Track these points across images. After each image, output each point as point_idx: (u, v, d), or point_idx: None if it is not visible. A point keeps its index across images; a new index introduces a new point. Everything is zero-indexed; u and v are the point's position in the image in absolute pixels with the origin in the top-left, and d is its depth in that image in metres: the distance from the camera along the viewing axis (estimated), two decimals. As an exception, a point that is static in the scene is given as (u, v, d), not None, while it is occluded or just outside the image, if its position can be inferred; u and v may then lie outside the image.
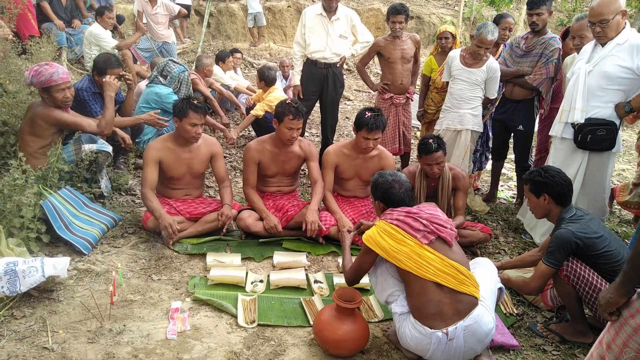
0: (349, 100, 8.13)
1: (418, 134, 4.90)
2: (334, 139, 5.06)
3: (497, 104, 4.30)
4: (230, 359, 2.24)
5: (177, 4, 7.92)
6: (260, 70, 5.48)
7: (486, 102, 4.11)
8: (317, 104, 4.90)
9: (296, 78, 4.68)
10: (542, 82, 3.89)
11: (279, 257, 3.17)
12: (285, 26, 10.93)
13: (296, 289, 2.87)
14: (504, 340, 2.46)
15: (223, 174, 3.47)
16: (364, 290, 2.87)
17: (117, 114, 3.78)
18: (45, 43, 5.01)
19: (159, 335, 2.34)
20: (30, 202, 2.81)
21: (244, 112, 5.87)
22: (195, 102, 3.22)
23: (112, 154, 3.51)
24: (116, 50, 6.09)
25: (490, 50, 3.99)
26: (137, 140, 4.36)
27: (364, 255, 2.33)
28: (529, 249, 3.51)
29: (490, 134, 4.49)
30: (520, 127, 4.10)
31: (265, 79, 5.37)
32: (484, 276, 2.34)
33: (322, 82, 4.61)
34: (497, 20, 4.25)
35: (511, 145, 4.44)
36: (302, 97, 4.67)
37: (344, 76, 5.17)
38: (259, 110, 5.27)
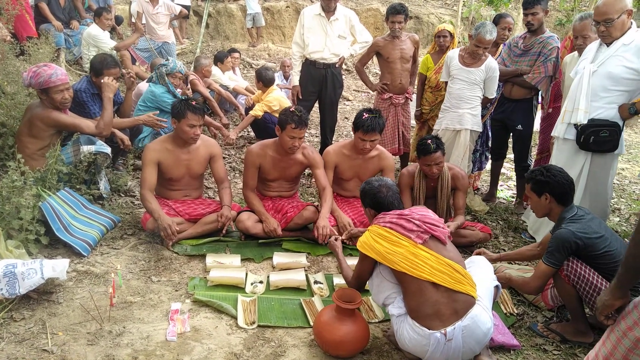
0: (348, 100, 8.12)
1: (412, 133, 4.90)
2: (333, 139, 5.05)
3: (496, 103, 4.30)
4: (230, 361, 2.24)
5: (177, 4, 7.92)
6: (257, 71, 5.48)
7: (485, 102, 4.11)
8: (316, 105, 4.89)
9: (295, 78, 4.68)
10: (541, 81, 3.89)
11: (279, 258, 3.16)
12: (284, 26, 10.92)
13: (296, 289, 2.86)
14: (505, 340, 2.46)
15: (222, 175, 3.46)
16: (364, 291, 2.85)
17: (115, 114, 3.77)
18: (44, 44, 5.00)
19: (158, 336, 2.33)
20: (29, 204, 2.80)
21: (243, 113, 5.87)
22: (194, 103, 3.21)
23: (111, 155, 3.50)
24: (115, 51, 6.08)
25: (490, 50, 3.99)
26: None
27: (361, 263, 2.36)
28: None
29: (490, 133, 4.49)
30: (519, 126, 4.10)
31: (263, 80, 5.36)
32: (481, 275, 2.35)
33: (321, 82, 4.60)
34: (497, 20, 4.25)
35: (510, 145, 4.44)
36: (301, 97, 4.66)
37: (343, 76, 5.16)
38: (258, 111, 5.27)
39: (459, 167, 3.68)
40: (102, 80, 3.55)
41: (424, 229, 2.23)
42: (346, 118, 7.05)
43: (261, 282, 2.90)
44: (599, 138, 3.06)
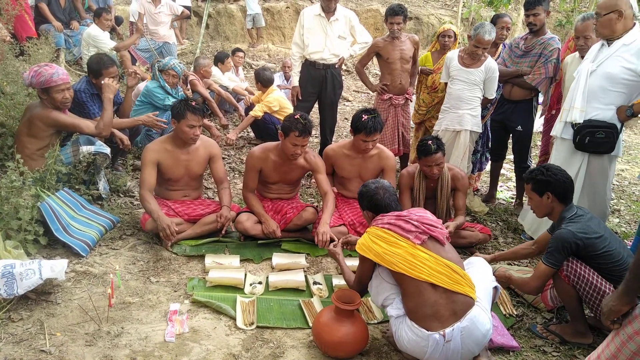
0: (348, 101, 8.12)
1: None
2: (333, 139, 5.04)
3: (496, 104, 4.30)
4: (228, 362, 2.23)
5: (178, 5, 7.93)
6: (256, 72, 5.50)
7: (485, 103, 4.11)
8: (316, 105, 4.89)
9: (294, 79, 4.67)
10: (541, 82, 3.89)
11: (278, 258, 3.16)
12: (284, 27, 10.93)
13: (295, 290, 2.86)
14: (504, 341, 2.45)
15: (222, 175, 3.45)
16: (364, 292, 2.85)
17: (115, 115, 3.77)
18: (43, 44, 5.00)
19: (157, 337, 2.33)
20: (28, 204, 2.80)
21: (243, 114, 5.87)
22: (194, 103, 3.20)
23: (110, 155, 3.50)
24: (114, 52, 6.08)
25: (489, 50, 3.99)
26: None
27: (361, 265, 2.38)
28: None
29: (490, 134, 4.48)
30: (519, 127, 4.10)
31: (261, 80, 5.38)
32: (479, 276, 2.34)
33: (320, 83, 4.60)
34: (494, 20, 4.26)
35: (510, 146, 4.43)
36: (300, 98, 4.66)
37: (343, 77, 5.16)
38: (257, 112, 5.27)
39: (459, 167, 3.68)
40: (102, 82, 3.55)
41: (422, 230, 2.24)
42: (346, 119, 7.05)
43: (260, 282, 2.89)
44: (594, 139, 3.05)
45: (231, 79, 6.54)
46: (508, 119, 4.15)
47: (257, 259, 3.19)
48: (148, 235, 3.27)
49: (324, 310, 2.39)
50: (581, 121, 3.06)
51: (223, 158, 4.25)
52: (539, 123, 4.65)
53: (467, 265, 2.47)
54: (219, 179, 3.45)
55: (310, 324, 2.49)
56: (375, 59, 4.71)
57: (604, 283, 2.37)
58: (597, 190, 3.23)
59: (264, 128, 5.41)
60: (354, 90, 8.79)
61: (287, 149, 3.25)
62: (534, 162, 4.39)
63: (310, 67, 4.56)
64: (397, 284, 2.24)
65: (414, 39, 4.57)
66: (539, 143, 6.21)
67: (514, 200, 4.55)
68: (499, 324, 2.56)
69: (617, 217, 4.55)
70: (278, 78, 7.11)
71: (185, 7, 7.95)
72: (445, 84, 4.16)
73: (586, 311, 2.57)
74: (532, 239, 3.66)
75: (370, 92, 7.29)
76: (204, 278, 2.86)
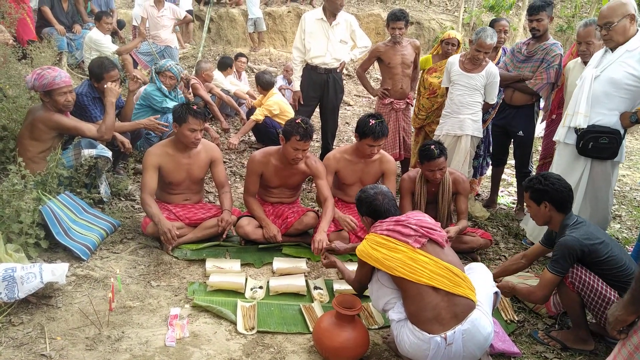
0: (349, 105, 8.14)
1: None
2: (334, 144, 5.05)
3: (497, 108, 4.30)
4: (229, 367, 2.22)
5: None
6: (256, 75, 5.55)
7: (486, 107, 4.11)
8: (317, 110, 4.89)
9: (296, 84, 4.68)
10: (542, 87, 3.90)
11: (279, 263, 3.15)
12: (285, 31, 10.96)
13: (296, 295, 2.85)
14: (505, 347, 2.45)
15: (223, 179, 3.45)
16: (364, 297, 2.85)
17: (117, 118, 3.77)
18: (46, 48, 5.02)
19: (157, 342, 2.32)
20: (29, 208, 2.80)
21: (244, 117, 5.88)
22: (195, 107, 3.21)
23: (111, 159, 3.50)
24: (116, 56, 6.10)
25: (490, 54, 3.99)
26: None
27: (360, 269, 2.42)
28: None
29: (492, 139, 4.49)
30: (520, 132, 4.10)
31: (262, 84, 5.41)
32: (480, 281, 2.34)
33: (322, 87, 4.61)
34: (492, 24, 4.28)
35: (511, 151, 4.44)
36: (302, 102, 4.66)
37: (344, 81, 5.17)
38: (258, 115, 5.28)
39: (460, 171, 3.67)
40: (105, 85, 3.56)
41: (421, 233, 2.24)
42: (347, 123, 7.06)
43: (261, 287, 2.89)
44: (598, 144, 3.04)
45: (233, 83, 6.56)
46: (509, 124, 4.15)
47: (258, 263, 3.18)
48: (149, 239, 3.27)
49: (325, 315, 2.39)
50: (585, 126, 3.06)
51: (224, 162, 4.26)
52: (540, 128, 4.65)
53: (467, 270, 2.47)
54: (220, 183, 3.45)
55: (311, 329, 2.48)
56: (376, 64, 4.73)
57: (608, 290, 2.36)
58: (600, 195, 3.22)
59: (265, 132, 5.42)
60: (355, 95, 8.81)
61: (288, 154, 3.25)
62: (534, 167, 4.39)
63: (311, 72, 4.57)
64: (398, 288, 2.24)
65: (415, 44, 4.58)
66: (540, 148, 6.23)
67: (515, 206, 4.55)
68: (500, 330, 2.55)
69: (619, 223, 4.55)
70: (280, 80, 7.13)
71: (187, 11, 8.00)
72: (446, 88, 4.17)
73: (588, 317, 2.56)
74: (533, 244, 3.65)
75: (372, 97, 7.30)
76: (205, 282, 2.86)
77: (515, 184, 4.87)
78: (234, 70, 6.72)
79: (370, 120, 3.33)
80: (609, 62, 3.00)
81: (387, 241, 2.24)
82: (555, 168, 3.30)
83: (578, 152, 3.14)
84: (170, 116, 4.28)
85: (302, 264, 3.16)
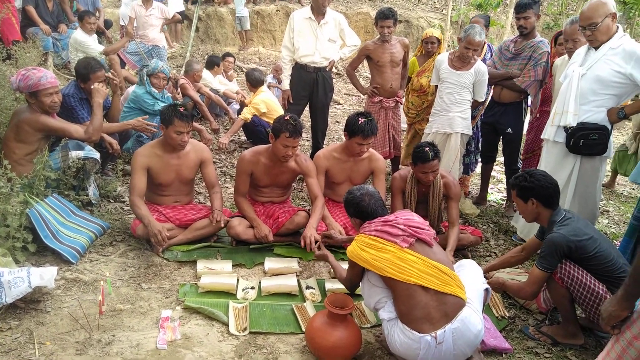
0: (339, 104, 8.14)
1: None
2: (324, 143, 5.05)
3: (486, 105, 4.33)
4: (221, 368, 2.21)
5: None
6: (246, 73, 5.55)
7: (475, 105, 4.13)
8: (307, 108, 4.89)
9: (285, 83, 4.67)
10: (530, 85, 3.92)
11: (270, 263, 3.14)
12: (274, 30, 10.92)
13: (288, 295, 2.85)
14: (497, 343, 2.46)
15: (213, 179, 3.43)
16: (356, 296, 2.85)
17: (104, 119, 3.73)
18: (31, 48, 4.95)
19: (149, 345, 2.30)
20: (16, 211, 2.76)
21: (234, 117, 5.86)
22: (182, 108, 3.18)
23: (100, 160, 3.47)
24: (103, 56, 6.03)
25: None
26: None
27: (351, 269, 2.44)
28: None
29: (479, 137, 4.51)
30: (509, 130, 4.13)
31: (251, 81, 5.42)
32: (470, 278, 2.36)
33: (311, 86, 4.60)
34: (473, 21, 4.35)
35: (500, 148, 4.47)
36: (291, 101, 4.65)
37: (333, 80, 5.17)
38: (246, 114, 5.27)
39: (450, 173, 3.68)
40: (92, 86, 3.52)
41: (409, 233, 2.26)
42: (337, 122, 7.06)
43: (252, 288, 2.88)
44: (588, 141, 3.08)
45: (222, 82, 6.53)
46: (498, 122, 4.18)
47: (250, 263, 3.17)
48: (139, 241, 3.24)
49: (317, 314, 2.39)
50: (575, 124, 3.09)
51: (214, 162, 4.23)
52: (528, 125, 4.69)
53: (457, 267, 2.49)
54: (210, 184, 3.43)
55: (304, 329, 2.48)
56: (365, 62, 4.73)
57: (597, 284, 2.39)
58: (588, 191, 3.26)
59: (253, 131, 5.41)
60: (344, 94, 8.81)
61: (278, 151, 3.24)
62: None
63: (300, 71, 4.56)
64: (388, 288, 2.24)
65: (404, 42, 4.59)
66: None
67: (504, 202, 4.58)
68: (492, 326, 2.57)
69: (607, 218, 4.60)
70: (270, 79, 7.11)
71: (179, 12, 7.93)
72: (436, 86, 4.19)
73: (578, 312, 2.59)
74: (523, 240, 3.68)
75: (361, 95, 7.31)
76: (196, 284, 2.84)
77: (504, 180, 4.91)
78: (222, 70, 6.68)
79: (359, 119, 3.33)
80: (594, 60, 3.04)
81: (376, 242, 2.25)
82: (544, 166, 3.32)
83: (569, 150, 3.17)
84: (160, 118, 4.25)
85: (293, 264, 3.15)
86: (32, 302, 2.49)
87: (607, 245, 2.47)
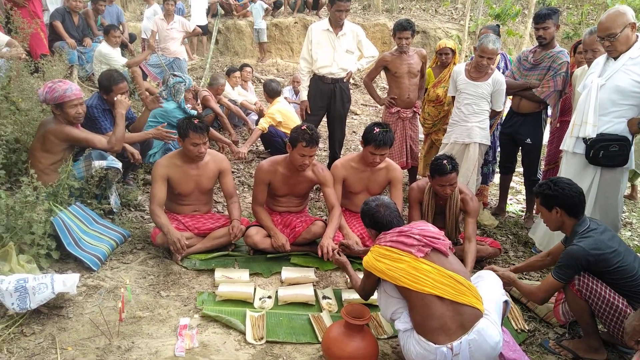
0: (356, 114, 8.16)
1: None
2: (341, 153, 5.07)
3: (504, 115, 4.30)
4: (238, 377, 2.22)
5: (195, 24, 8.15)
6: (264, 83, 5.63)
7: (493, 115, 4.11)
8: (325, 119, 4.92)
9: (303, 94, 4.72)
10: (550, 95, 3.89)
11: (287, 272, 3.16)
12: (292, 42, 11.05)
13: (304, 305, 2.85)
14: (516, 357, 2.42)
15: (231, 189, 3.48)
16: (373, 307, 2.84)
17: (127, 130, 3.82)
18: (57, 61, 5.10)
19: (167, 352, 2.33)
20: (41, 219, 2.83)
21: (252, 127, 5.93)
22: (196, 121, 3.23)
23: (121, 170, 3.54)
24: (126, 68, 6.18)
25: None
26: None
27: (366, 279, 2.44)
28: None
29: (498, 146, 4.48)
30: (528, 140, 4.09)
31: (268, 91, 5.49)
32: (488, 289, 2.33)
33: (329, 97, 4.64)
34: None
35: (519, 159, 4.42)
36: (309, 112, 4.70)
37: (351, 91, 5.20)
38: (263, 124, 5.32)
39: (469, 183, 3.65)
40: (115, 98, 3.61)
41: (424, 243, 2.25)
42: (354, 132, 7.08)
43: (269, 297, 2.89)
44: (608, 152, 3.02)
45: (240, 94, 6.62)
46: (517, 132, 4.14)
47: (267, 273, 3.19)
48: (158, 249, 3.29)
49: (334, 325, 2.39)
50: (594, 136, 3.05)
51: (232, 172, 4.28)
52: (548, 136, 4.64)
53: (476, 278, 2.46)
54: (229, 194, 3.47)
55: (320, 339, 2.48)
56: (383, 73, 4.75)
57: (617, 298, 2.34)
58: (609, 203, 3.20)
59: (270, 141, 5.46)
60: (362, 104, 8.84)
61: (295, 160, 3.27)
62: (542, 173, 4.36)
63: (318, 82, 4.60)
64: (404, 298, 2.23)
65: (422, 53, 4.60)
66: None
67: (523, 214, 4.52)
68: (511, 339, 2.53)
69: (629, 230, 4.50)
70: (287, 92, 7.18)
71: (200, 26, 8.10)
72: (453, 97, 4.18)
73: (599, 326, 2.53)
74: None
75: (378, 106, 7.32)
76: (214, 292, 2.87)
77: (523, 191, 4.84)
78: (240, 80, 6.79)
79: (375, 128, 3.35)
80: (613, 71, 3.00)
81: (391, 252, 2.25)
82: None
83: (589, 161, 3.12)
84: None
85: (310, 274, 3.16)
86: (54, 308, 2.55)
87: (631, 259, 2.41)
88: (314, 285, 3.05)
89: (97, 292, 2.74)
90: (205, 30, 9.84)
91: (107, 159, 3.44)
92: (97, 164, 3.39)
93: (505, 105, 4.23)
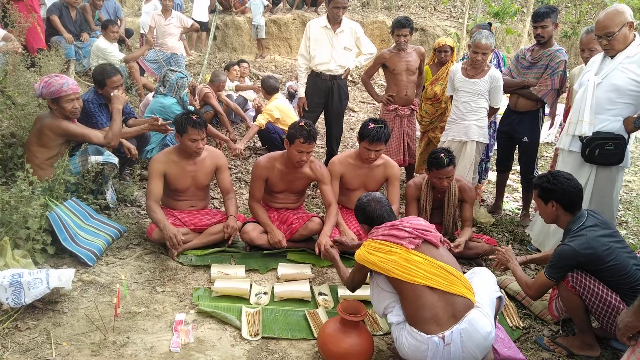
0: (354, 111, 8.16)
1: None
2: (339, 150, 5.06)
3: (500, 113, 4.30)
4: (233, 372, 2.23)
5: (194, 20, 8.12)
6: (262, 80, 5.61)
7: (492, 112, 4.11)
8: (322, 116, 4.92)
9: (301, 90, 4.71)
10: (547, 94, 3.89)
11: (284, 269, 3.16)
12: (290, 38, 11.02)
13: (300, 301, 2.86)
14: (511, 354, 2.43)
15: (228, 185, 3.47)
16: (369, 303, 2.84)
17: (123, 125, 3.81)
18: (54, 56, 5.07)
19: (162, 347, 2.33)
20: (37, 214, 2.82)
21: (250, 124, 5.92)
22: (194, 117, 3.22)
23: (118, 165, 3.53)
24: (123, 63, 6.16)
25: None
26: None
27: (357, 272, 2.48)
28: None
29: (495, 144, 4.49)
30: (525, 138, 4.09)
31: (266, 88, 5.47)
32: (482, 284, 2.34)
33: (327, 94, 4.63)
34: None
35: (516, 157, 4.43)
36: (307, 109, 4.69)
37: (349, 88, 5.19)
38: (261, 121, 5.31)
39: (465, 179, 3.67)
40: (112, 93, 3.60)
41: (415, 235, 2.28)
42: (352, 129, 7.08)
43: (265, 293, 2.89)
44: (604, 151, 3.03)
45: (238, 88, 6.62)
46: (514, 130, 4.14)
47: (263, 269, 3.19)
48: (154, 245, 3.29)
49: (330, 321, 2.39)
50: (590, 134, 3.05)
51: (229, 168, 4.27)
52: (545, 134, 4.65)
53: (470, 274, 2.47)
54: (225, 190, 3.47)
55: (316, 335, 2.48)
56: (381, 70, 4.75)
57: (611, 294, 2.35)
58: (605, 201, 3.21)
59: (268, 137, 5.45)
60: (359, 101, 8.83)
61: (292, 157, 3.27)
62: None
63: (316, 78, 4.59)
64: (396, 291, 2.25)
65: (420, 51, 4.60)
66: (545, 154, 6.20)
67: (520, 212, 4.53)
68: (506, 336, 2.54)
69: (625, 229, 4.52)
70: (293, 83, 7.18)
71: (201, 22, 8.06)
72: (451, 96, 4.18)
73: (593, 323, 2.54)
74: (538, 250, 3.64)
75: (376, 103, 7.32)
76: (210, 288, 2.87)
77: (520, 189, 4.85)
78: (238, 75, 6.78)
79: (370, 124, 3.35)
80: (610, 69, 3.00)
81: (383, 245, 2.28)
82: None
83: (585, 159, 3.13)
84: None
85: (306, 270, 3.17)
86: (49, 303, 2.54)
87: (625, 256, 2.41)
88: (310, 282, 3.05)
89: (92, 287, 2.74)
90: (206, 27, 9.81)
91: (103, 154, 3.44)
92: (94, 159, 3.38)
93: (502, 103, 4.23)
